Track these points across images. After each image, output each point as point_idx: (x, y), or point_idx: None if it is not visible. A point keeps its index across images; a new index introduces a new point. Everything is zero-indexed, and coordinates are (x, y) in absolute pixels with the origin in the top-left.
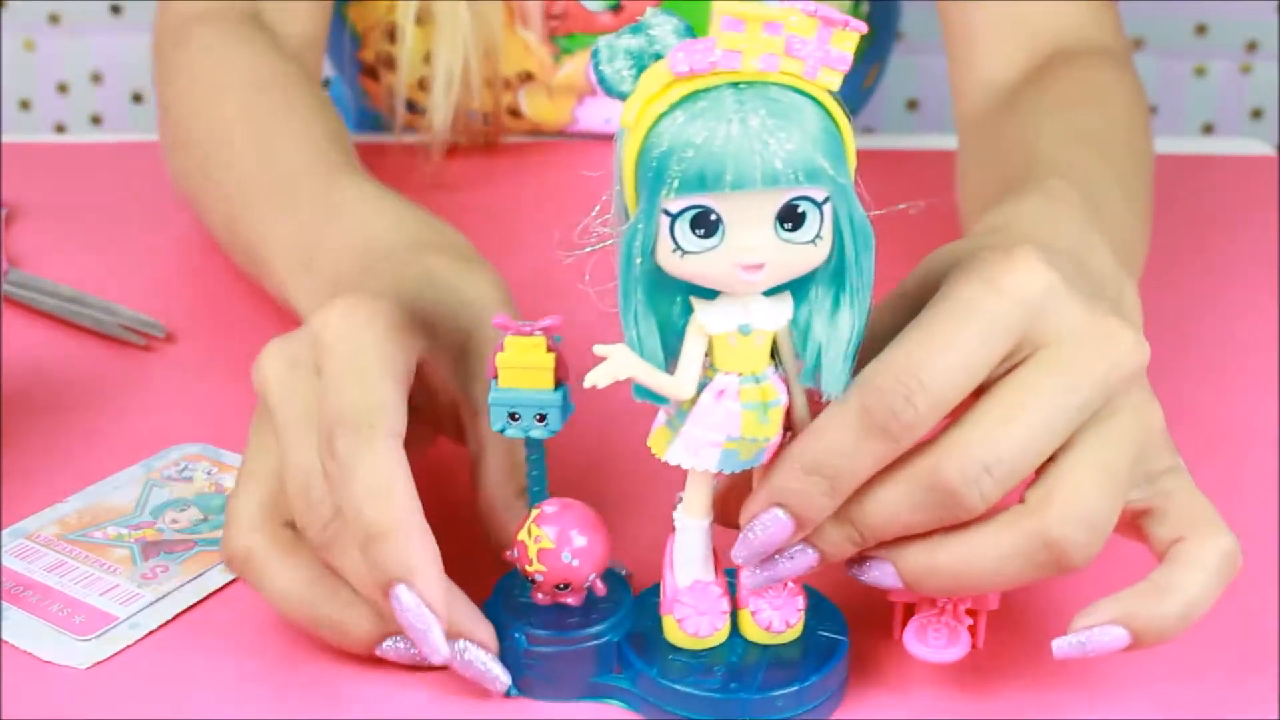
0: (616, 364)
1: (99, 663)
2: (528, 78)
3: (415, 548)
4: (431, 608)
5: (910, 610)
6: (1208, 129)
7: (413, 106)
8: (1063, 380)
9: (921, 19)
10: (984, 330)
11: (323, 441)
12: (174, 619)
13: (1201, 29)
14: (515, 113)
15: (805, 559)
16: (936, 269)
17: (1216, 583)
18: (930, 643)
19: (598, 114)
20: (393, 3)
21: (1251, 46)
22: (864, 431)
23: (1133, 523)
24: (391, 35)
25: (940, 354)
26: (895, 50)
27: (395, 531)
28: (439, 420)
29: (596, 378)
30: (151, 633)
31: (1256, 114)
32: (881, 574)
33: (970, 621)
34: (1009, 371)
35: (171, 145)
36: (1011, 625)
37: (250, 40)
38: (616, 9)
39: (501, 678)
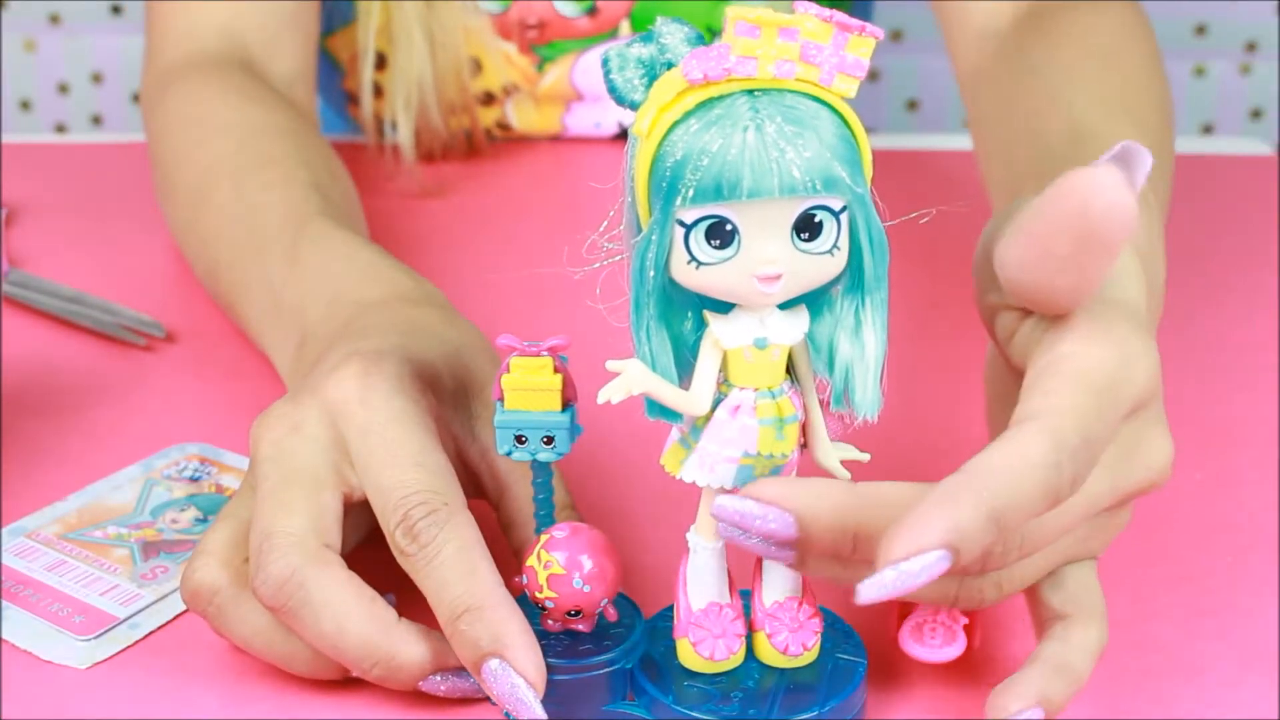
0: (630, 379)
1: (99, 663)
2: (513, 89)
3: (506, 620)
4: (526, 678)
5: (906, 610)
6: (1207, 129)
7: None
8: (1105, 485)
9: (921, 19)
10: (1120, 417)
11: (396, 523)
12: (174, 619)
13: (1201, 29)
14: (504, 125)
15: (785, 533)
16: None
17: (1090, 671)
18: (927, 642)
19: (587, 119)
20: (376, 29)
21: (1251, 46)
22: (1048, 491)
23: None
24: (375, 63)
25: (1105, 432)
26: (895, 50)
27: (485, 606)
28: None
29: (610, 393)
30: (151, 633)
31: (1256, 114)
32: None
33: (966, 621)
34: None
35: (162, 196)
36: (1010, 625)
37: (236, 87)
38: (592, 12)
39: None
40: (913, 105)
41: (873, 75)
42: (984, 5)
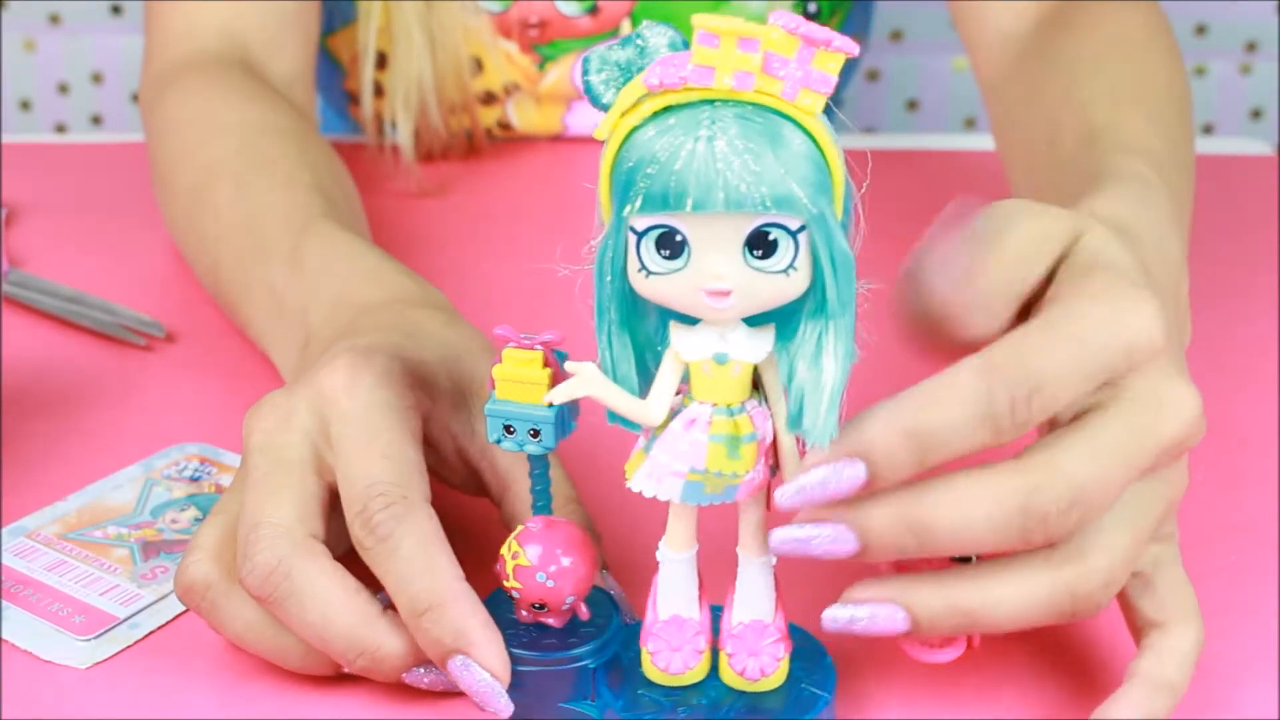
0: (579, 382)
1: (99, 663)
2: (514, 88)
3: (467, 616)
4: (492, 672)
5: None
6: (1208, 129)
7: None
8: (1136, 440)
9: (921, 19)
10: (1097, 360)
11: (355, 514)
12: (174, 619)
13: (1201, 29)
14: (505, 125)
15: (845, 547)
16: (1057, 248)
17: (1190, 675)
18: (928, 643)
19: (587, 120)
20: (377, 29)
21: (1251, 46)
22: (979, 416)
23: None
24: (376, 62)
25: (1064, 369)
26: (895, 50)
27: (446, 603)
28: (446, 474)
29: (554, 394)
30: (151, 633)
31: (1256, 114)
32: (889, 619)
33: None
34: (1088, 412)
35: (160, 195)
36: None
37: (237, 87)
38: (593, 11)
39: (504, 709)
40: (913, 105)
41: (872, 75)
42: (1006, 8)
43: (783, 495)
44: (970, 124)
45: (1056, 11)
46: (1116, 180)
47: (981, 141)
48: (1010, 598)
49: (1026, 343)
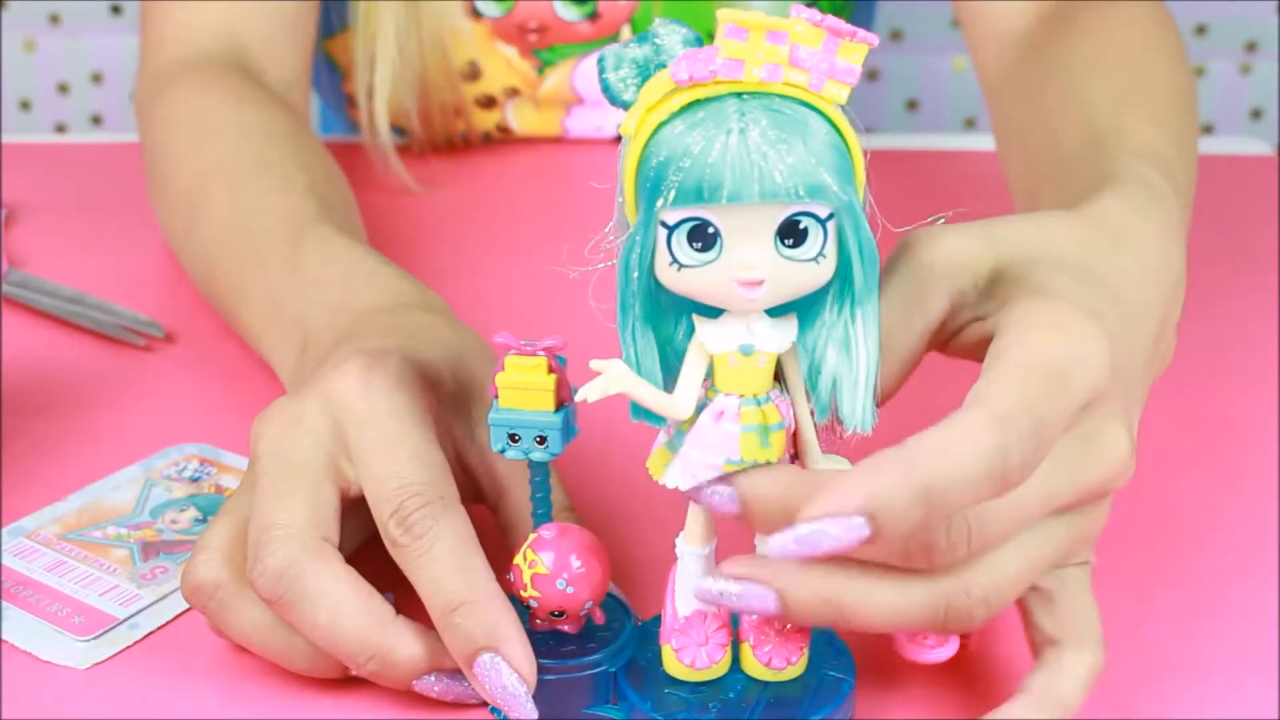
0: (610, 379)
1: (98, 663)
2: (513, 93)
3: (500, 615)
4: (520, 673)
5: None
6: (1207, 129)
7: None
8: (1057, 481)
9: (921, 19)
10: (1078, 403)
11: (390, 514)
12: (173, 620)
13: (1201, 29)
14: (504, 129)
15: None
16: (1037, 260)
17: (1083, 697)
18: (921, 643)
19: (587, 123)
20: (370, 34)
21: (1251, 46)
22: (993, 474)
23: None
24: (372, 66)
25: (1059, 416)
26: (895, 50)
27: (480, 601)
28: None
29: (588, 392)
30: (151, 633)
31: (1256, 114)
32: (759, 600)
33: None
34: None
35: (156, 198)
36: (1006, 625)
37: (234, 89)
38: (593, 17)
39: (529, 714)
40: (912, 105)
41: (872, 75)
42: (1007, 8)
43: (781, 543)
44: (970, 124)
45: (1059, 11)
46: (1122, 184)
47: (981, 141)
48: (884, 601)
49: (1028, 393)
